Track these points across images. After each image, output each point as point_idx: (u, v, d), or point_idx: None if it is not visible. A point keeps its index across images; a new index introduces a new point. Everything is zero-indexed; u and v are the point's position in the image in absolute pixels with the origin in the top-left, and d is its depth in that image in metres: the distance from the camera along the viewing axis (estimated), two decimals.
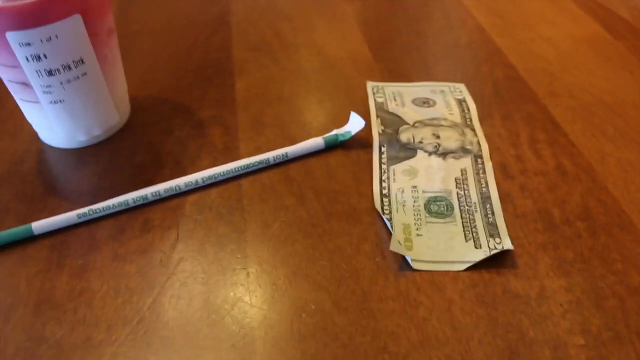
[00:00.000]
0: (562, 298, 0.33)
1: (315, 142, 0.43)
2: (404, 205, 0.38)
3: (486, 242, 0.35)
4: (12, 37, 0.36)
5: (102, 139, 0.45)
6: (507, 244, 0.35)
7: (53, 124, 0.42)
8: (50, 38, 0.37)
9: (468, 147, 0.42)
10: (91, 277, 0.35)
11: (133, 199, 0.39)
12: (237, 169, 0.41)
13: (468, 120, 0.45)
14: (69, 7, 0.37)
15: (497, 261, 0.34)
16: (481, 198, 0.39)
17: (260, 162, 0.41)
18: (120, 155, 0.43)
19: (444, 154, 0.41)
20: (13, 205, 0.39)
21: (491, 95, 0.48)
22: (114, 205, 0.39)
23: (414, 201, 0.38)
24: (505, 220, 0.37)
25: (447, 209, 0.38)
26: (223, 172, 0.41)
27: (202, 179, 0.40)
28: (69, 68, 0.39)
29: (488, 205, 0.38)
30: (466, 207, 0.38)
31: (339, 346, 0.31)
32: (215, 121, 0.46)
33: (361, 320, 0.32)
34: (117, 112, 0.44)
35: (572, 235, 0.36)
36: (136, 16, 0.62)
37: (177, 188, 0.40)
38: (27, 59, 0.37)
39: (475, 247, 0.35)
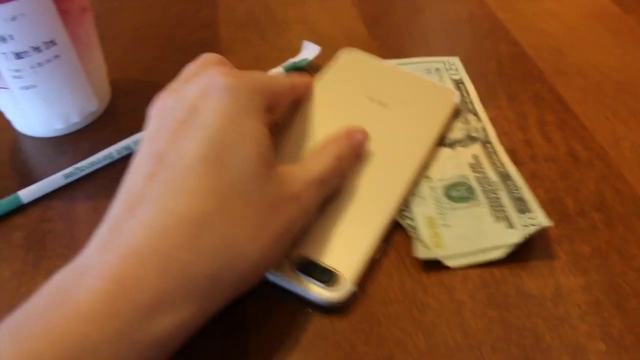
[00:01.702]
0: (580, 298, 0.30)
1: (276, 71, 0.45)
2: (422, 197, 0.35)
3: (518, 219, 0.33)
4: None
5: (81, 127, 0.42)
6: (542, 219, 0.32)
7: (26, 111, 0.39)
8: (15, 17, 0.34)
9: (474, 134, 0.39)
10: None
11: (117, 150, 0.38)
12: None
13: (469, 104, 0.42)
14: None
15: (508, 257, 0.32)
16: (501, 177, 0.36)
17: None
18: (101, 144, 0.40)
19: (451, 144, 0.39)
20: None
21: (495, 74, 0.45)
22: (98, 159, 0.38)
23: (432, 190, 0.35)
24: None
25: (469, 193, 0.35)
26: None
27: None
28: (39, 50, 0.36)
29: (509, 182, 0.36)
30: (488, 187, 0.35)
31: (341, 356, 0.28)
32: None
33: (364, 326, 0.29)
34: (95, 97, 0.41)
35: (587, 228, 0.34)
36: None
37: None
38: None
39: (508, 227, 0.33)
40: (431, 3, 0.55)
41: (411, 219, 0.34)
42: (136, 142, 0.39)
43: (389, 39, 0.49)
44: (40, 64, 0.36)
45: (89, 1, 0.40)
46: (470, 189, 0.35)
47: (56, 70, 0.37)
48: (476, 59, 0.47)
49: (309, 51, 0.46)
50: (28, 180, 0.38)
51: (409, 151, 0.36)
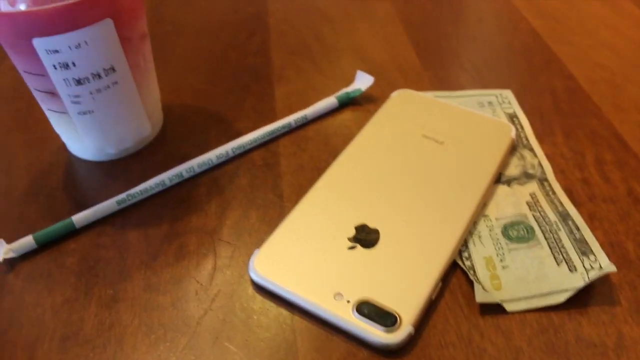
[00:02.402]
0: None
1: (329, 101, 0.44)
2: (480, 237, 0.34)
3: (580, 262, 0.32)
4: (39, 43, 0.33)
5: (133, 152, 0.42)
6: (605, 263, 0.32)
7: (82, 135, 0.39)
8: (79, 44, 0.34)
9: (530, 171, 0.38)
10: (121, 308, 0.32)
11: (169, 177, 0.38)
12: (262, 136, 0.42)
13: (524, 139, 0.41)
14: (100, 10, 0.34)
15: (567, 302, 0.31)
16: (560, 217, 0.35)
17: (283, 127, 0.42)
18: (152, 170, 0.40)
19: (507, 182, 0.38)
20: (39, 223, 0.37)
21: (551, 109, 0.44)
22: (150, 187, 0.38)
23: (490, 230, 0.35)
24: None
25: (527, 232, 0.34)
26: (254, 138, 0.41)
27: (232, 149, 0.41)
28: (99, 77, 0.36)
29: (570, 222, 0.35)
30: (547, 227, 0.34)
31: None
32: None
33: None
34: (149, 122, 0.41)
35: None
36: (168, 16, 0.59)
37: (210, 162, 0.40)
38: (55, 67, 0.34)
39: (570, 271, 0.32)
40: (483, 32, 0.54)
41: (470, 259, 0.33)
42: (188, 169, 0.39)
43: (440, 70, 0.49)
44: (99, 90, 0.36)
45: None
46: (529, 229, 0.35)
47: (114, 97, 0.37)
48: (530, 92, 0.46)
49: (363, 81, 0.46)
50: (80, 204, 0.38)
51: (467, 189, 0.36)
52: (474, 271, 0.32)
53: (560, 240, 0.34)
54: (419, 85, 0.47)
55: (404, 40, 0.53)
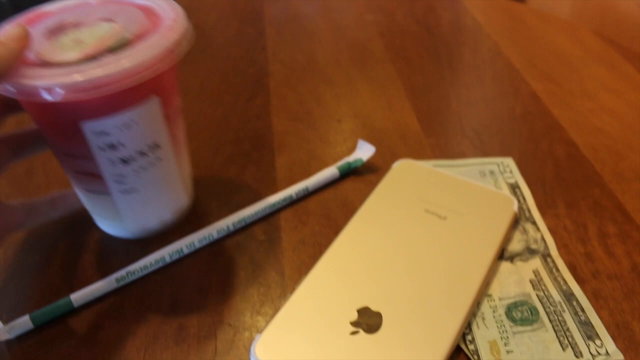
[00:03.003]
0: None
1: (329, 172, 0.44)
2: (483, 319, 0.34)
3: (586, 347, 0.32)
4: (88, 127, 0.32)
5: (171, 225, 0.41)
6: (612, 349, 0.31)
7: (121, 214, 0.38)
8: (129, 125, 0.33)
9: (533, 246, 0.38)
10: None
11: (169, 254, 0.38)
12: (263, 209, 0.41)
13: (526, 211, 0.41)
14: (147, 89, 0.33)
15: None
16: (564, 296, 0.35)
17: (284, 200, 0.42)
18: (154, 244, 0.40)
19: (510, 258, 0.37)
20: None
21: (552, 178, 0.44)
22: (150, 263, 0.37)
23: (493, 311, 0.34)
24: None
25: (531, 314, 0.34)
26: (255, 212, 0.41)
27: (233, 223, 0.40)
28: (145, 154, 0.35)
29: (574, 302, 0.34)
30: (552, 309, 0.34)
31: None
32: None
33: None
34: (187, 194, 0.41)
35: None
36: None
37: (210, 237, 0.40)
38: (102, 148, 0.33)
39: (576, 357, 0.31)
40: (484, 97, 0.54)
41: (473, 343, 0.33)
42: (189, 245, 0.39)
43: (442, 137, 0.49)
44: (143, 168, 0.36)
45: None
46: (533, 310, 0.34)
47: (158, 173, 0.37)
48: (531, 160, 0.46)
49: (364, 151, 0.46)
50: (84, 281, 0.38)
51: (470, 268, 0.35)
52: (478, 356, 0.32)
53: (565, 323, 0.33)
54: (421, 152, 0.47)
55: (406, 105, 0.53)
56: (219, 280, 0.37)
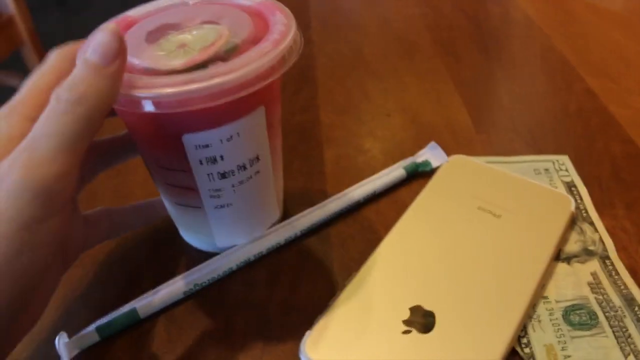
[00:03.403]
0: None
1: (396, 174, 0.42)
2: (539, 322, 0.33)
3: None
4: (189, 139, 0.30)
5: (260, 238, 0.38)
6: None
7: (214, 229, 0.36)
8: (231, 137, 0.31)
9: (591, 247, 0.37)
10: None
11: (237, 264, 0.37)
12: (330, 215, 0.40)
13: (583, 211, 0.40)
14: (257, 99, 0.31)
15: None
16: (625, 301, 0.33)
17: (350, 204, 0.40)
18: None
19: (567, 259, 0.36)
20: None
21: (610, 178, 0.43)
22: (218, 275, 0.36)
23: (550, 314, 0.33)
24: None
25: (590, 318, 0.33)
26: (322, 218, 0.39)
27: (301, 231, 0.39)
28: (244, 168, 0.33)
29: (636, 308, 0.33)
30: (612, 314, 0.33)
31: None
32: (302, 200, 0.42)
33: None
34: (279, 207, 0.39)
35: None
36: None
37: (277, 243, 0.38)
38: (201, 162, 0.31)
39: None
40: (536, 93, 0.53)
41: (529, 347, 0.31)
42: (256, 254, 0.37)
43: (493, 134, 0.48)
44: (241, 182, 0.33)
45: None
46: (591, 314, 0.33)
47: (254, 187, 0.34)
48: (587, 158, 0.45)
49: (435, 156, 0.44)
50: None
51: (526, 268, 0.34)
52: None
53: (627, 329, 0.32)
54: (471, 149, 0.46)
55: (456, 100, 0.52)
56: (266, 277, 0.37)
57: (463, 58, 0.59)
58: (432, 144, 0.45)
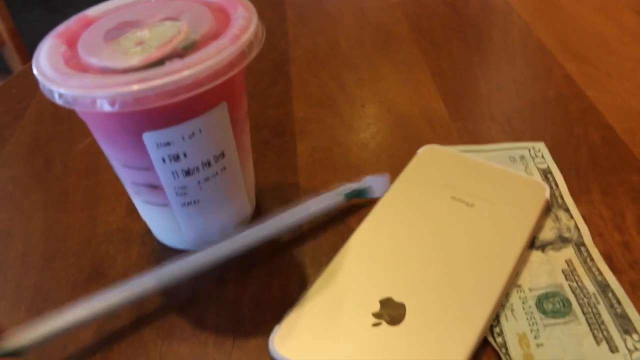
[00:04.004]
0: None
1: (333, 198, 0.39)
2: (512, 310, 0.32)
3: (622, 341, 0.30)
4: (150, 137, 0.30)
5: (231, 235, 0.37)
6: None
7: (181, 226, 0.36)
8: (193, 134, 0.30)
9: (566, 235, 0.36)
10: None
11: (208, 262, 0.34)
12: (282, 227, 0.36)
13: (559, 198, 0.39)
14: (217, 94, 0.30)
15: None
16: (599, 287, 0.33)
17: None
18: None
19: (541, 247, 0.36)
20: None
21: (587, 164, 0.42)
22: (188, 271, 0.34)
23: (523, 303, 0.32)
24: None
25: (563, 306, 0.32)
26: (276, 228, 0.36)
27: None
28: (209, 164, 0.32)
29: (610, 294, 0.32)
30: (585, 301, 0.32)
31: None
32: (274, 194, 0.41)
33: None
34: (249, 203, 0.39)
35: None
36: None
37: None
38: (164, 160, 0.31)
39: (611, 352, 0.29)
40: (514, 80, 0.52)
41: (502, 336, 0.31)
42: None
43: (469, 121, 0.47)
44: (207, 179, 0.33)
45: None
46: (565, 302, 0.32)
47: (221, 183, 0.34)
48: (564, 144, 0.44)
49: (377, 186, 0.40)
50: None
51: (499, 257, 0.34)
52: (507, 349, 0.30)
53: (600, 316, 0.31)
54: (447, 138, 0.45)
55: (432, 89, 0.51)
56: (237, 272, 0.36)
57: (441, 46, 0.58)
58: (373, 178, 0.41)
